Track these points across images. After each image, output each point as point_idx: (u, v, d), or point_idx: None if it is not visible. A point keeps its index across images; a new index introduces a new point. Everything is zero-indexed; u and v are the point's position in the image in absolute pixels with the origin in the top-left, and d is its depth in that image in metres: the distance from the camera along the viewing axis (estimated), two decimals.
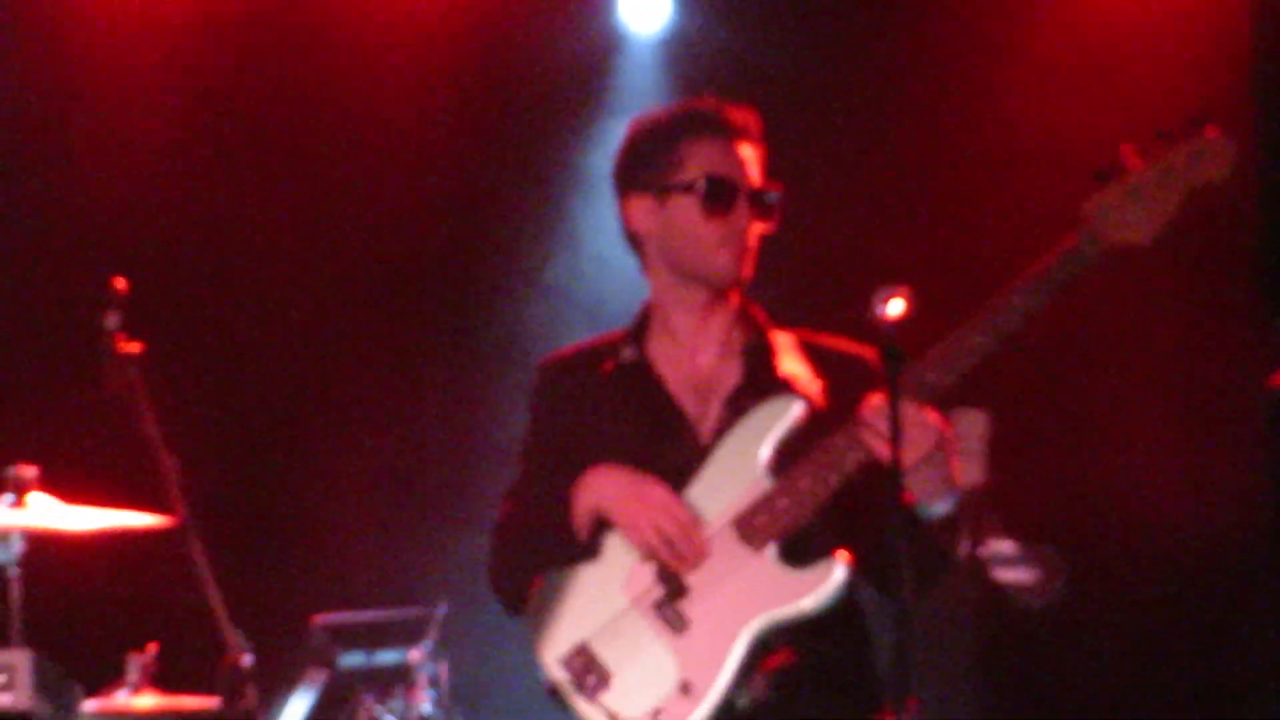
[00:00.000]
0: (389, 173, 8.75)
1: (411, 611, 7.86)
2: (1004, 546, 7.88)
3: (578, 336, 5.22)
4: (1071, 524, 8.20)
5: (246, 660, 5.45)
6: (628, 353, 5.02)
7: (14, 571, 6.70)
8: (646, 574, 4.84)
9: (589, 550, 4.89)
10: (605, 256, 8.15)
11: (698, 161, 4.92)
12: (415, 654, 7.76)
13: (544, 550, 4.94)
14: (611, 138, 5.15)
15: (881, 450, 4.61)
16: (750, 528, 4.82)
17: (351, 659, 7.83)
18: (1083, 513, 8.28)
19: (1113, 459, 8.30)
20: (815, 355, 4.99)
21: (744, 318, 5.00)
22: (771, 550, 4.82)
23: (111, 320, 5.58)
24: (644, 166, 4.97)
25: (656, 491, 4.81)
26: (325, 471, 8.71)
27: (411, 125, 8.68)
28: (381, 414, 8.82)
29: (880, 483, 4.65)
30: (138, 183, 8.72)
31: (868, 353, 4.80)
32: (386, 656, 7.82)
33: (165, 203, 8.75)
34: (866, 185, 8.41)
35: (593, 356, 5.06)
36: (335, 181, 8.72)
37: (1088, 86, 8.08)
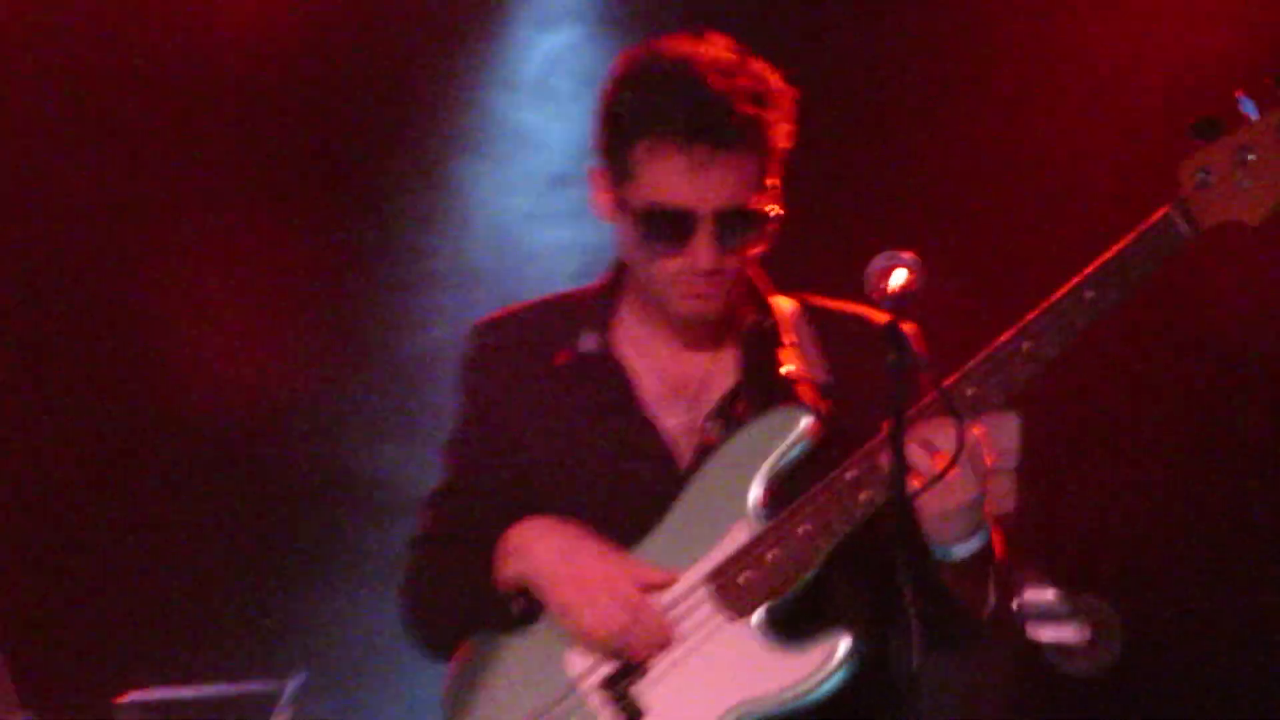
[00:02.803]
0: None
1: (254, 685, 6.27)
2: (1044, 596, 6.49)
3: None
4: (1125, 567, 6.78)
5: None
6: (589, 340, 3.93)
7: None
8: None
9: (521, 617, 3.92)
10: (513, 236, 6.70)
11: (648, 179, 3.74)
12: None
13: (465, 612, 3.94)
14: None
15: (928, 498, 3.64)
16: (731, 587, 3.80)
17: None
18: (1138, 551, 6.83)
19: (1167, 478, 6.87)
20: (824, 329, 3.95)
21: (745, 288, 3.91)
22: (757, 617, 3.81)
23: None
24: (602, 145, 3.79)
25: (599, 569, 3.83)
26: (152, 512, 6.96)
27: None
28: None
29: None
30: None
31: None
32: None
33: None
34: (872, 145, 7.00)
35: (543, 331, 3.98)
36: None
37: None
